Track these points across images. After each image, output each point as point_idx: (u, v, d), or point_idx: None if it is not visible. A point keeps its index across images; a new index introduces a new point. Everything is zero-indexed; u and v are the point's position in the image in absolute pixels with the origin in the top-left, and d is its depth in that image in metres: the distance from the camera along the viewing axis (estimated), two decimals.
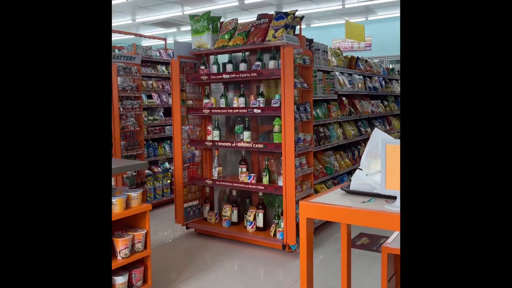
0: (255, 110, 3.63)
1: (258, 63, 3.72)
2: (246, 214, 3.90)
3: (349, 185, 1.85)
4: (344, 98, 4.89)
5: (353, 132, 5.00)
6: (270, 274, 3.28)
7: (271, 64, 3.63)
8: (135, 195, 2.62)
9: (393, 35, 10.60)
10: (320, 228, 4.22)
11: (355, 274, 2.95)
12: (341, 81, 4.76)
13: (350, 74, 5.13)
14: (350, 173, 5.01)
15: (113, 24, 10.72)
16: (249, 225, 3.83)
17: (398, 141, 1.60)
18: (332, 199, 1.72)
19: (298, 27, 3.85)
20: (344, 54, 5.27)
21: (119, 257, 2.53)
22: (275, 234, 3.67)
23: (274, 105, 3.58)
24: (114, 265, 2.50)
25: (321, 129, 4.37)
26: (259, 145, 3.66)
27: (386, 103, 6.27)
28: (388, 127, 6.11)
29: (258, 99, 3.70)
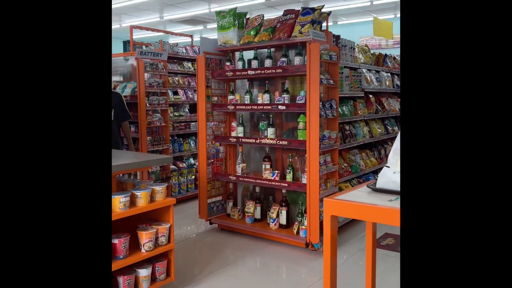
0: (279, 107, 3.61)
1: (283, 59, 3.69)
2: (269, 211, 3.88)
3: (375, 183, 1.80)
4: (371, 96, 4.80)
5: (379, 130, 4.91)
6: (293, 272, 3.26)
7: (297, 60, 3.59)
8: (160, 189, 2.65)
9: None
10: (344, 227, 4.16)
11: (378, 274, 2.90)
12: (368, 78, 4.68)
13: (377, 71, 5.03)
14: (376, 172, 4.91)
15: (141, 22, 10.90)
16: (272, 222, 3.81)
17: None
18: (357, 196, 1.68)
19: (324, 23, 3.79)
20: (372, 51, 5.17)
21: (143, 250, 2.57)
22: (298, 232, 3.64)
23: (299, 102, 3.55)
24: (138, 257, 2.54)
25: (347, 127, 4.30)
26: (283, 142, 3.64)
27: None
28: None
29: (283, 96, 3.68)
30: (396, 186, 1.71)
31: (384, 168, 1.79)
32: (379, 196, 1.67)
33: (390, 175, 1.76)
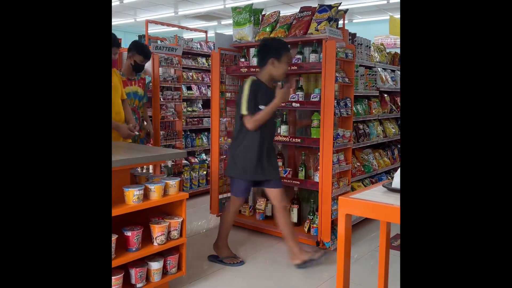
0: (293, 104, 3.59)
1: (298, 56, 3.67)
2: None
3: (391, 183, 1.79)
4: (385, 95, 4.76)
5: (393, 130, 4.86)
6: (303, 269, 3.25)
7: (312, 57, 3.57)
8: (173, 183, 2.66)
9: None
10: (355, 227, 4.13)
11: (390, 275, 2.88)
12: (383, 77, 4.63)
13: (393, 71, 4.98)
14: (389, 172, 4.87)
15: (156, 17, 10.94)
16: None
17: None
18: (372, 196, 1.67)
19: (341, 21, 3.76)
20: (387, 50, 5.12)
21: (155, 243, 2.58)
22: (309, 230, 3.63)
23: (313, 100, 3.53)
24: (150, 251, 2.56)
25: (361, 126, 4.27)
26: (296, 139, 3.62)
27: None
28: None
29: (297, 93, 3.66)
30: None
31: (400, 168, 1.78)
32: (394, 196, 1.65)
33: None
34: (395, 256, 3.43)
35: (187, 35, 12.61)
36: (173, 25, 6.04)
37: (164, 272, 2.68)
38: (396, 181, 1.76)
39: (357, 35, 4.13)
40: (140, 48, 3.83)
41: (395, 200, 1.59)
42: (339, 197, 1.63)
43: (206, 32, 6.58)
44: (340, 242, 1.62)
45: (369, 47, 4.39)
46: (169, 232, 2.66)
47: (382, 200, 1.60)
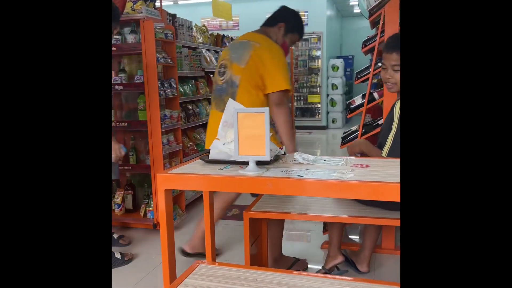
0: (116, 87, 3.45)
1: (117, 37, 3.51)
2: (114, 196, 3.73)
3: (208, 155, 1.89)
4: (211, 75, 4.94)
5: None
6: (143, 254, 3.22)
7: (131, 38, 3.46)
8: None
9: (260, 14, 11.03)
10: (193, 203, 4.27)
11: (224, 242, 3.08)
12: (208, 58, 4.80)
13: (216, 52, 5.19)
14: None
15: None
16: (118, 208, 3.67)
17: (249, 109, 1.69)
18: (190, 169, 1.75)
19: (158, 2, 3.73)
20: (211, 32, 5.31)
21: None
22: (145, 214, 3.59)
23: (137, 81, 3.45)
24: None
25: (190, 106, 4.37)
26: (123, 123, 3.50)
27: None
28: None
29: (120, 75, 3.52)
30: (226, 156, 1.83)
31: (215, 140, 1.89)
32: (211, 167, 1.76)
33: (221, 146, 1.86)
34: (231, 225, 3.68)
35: None
36: None
37: None
38: (212, 153, 1.88)
39: (177, 16, 4.16)
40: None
41: (211, 170, 1.69)
42: (157, 174, 1.65)
43: None
44: (162, 219, 1.65)
45: (191, 28, 4.48)
46: None
47: (198, 171, 1.69)
